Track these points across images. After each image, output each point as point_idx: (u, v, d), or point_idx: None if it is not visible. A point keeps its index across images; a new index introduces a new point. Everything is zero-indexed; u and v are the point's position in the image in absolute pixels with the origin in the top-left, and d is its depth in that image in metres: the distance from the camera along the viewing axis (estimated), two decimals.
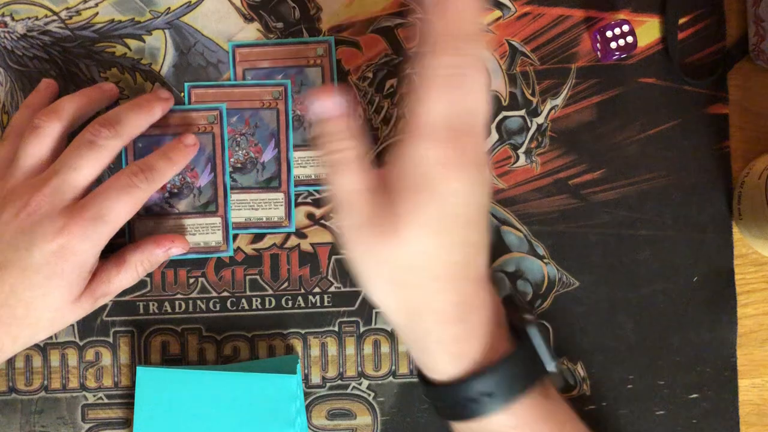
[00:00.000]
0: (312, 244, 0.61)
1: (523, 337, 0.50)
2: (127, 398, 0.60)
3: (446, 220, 0.45)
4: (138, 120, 0.56)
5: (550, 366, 0.50)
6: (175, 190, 0.60)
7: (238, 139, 0.60)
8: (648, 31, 0.61)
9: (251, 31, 0.61)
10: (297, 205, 0.60)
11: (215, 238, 0.60)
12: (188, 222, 0.60)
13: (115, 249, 0.58)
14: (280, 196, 0.60)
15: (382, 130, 0.61)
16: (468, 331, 0.48)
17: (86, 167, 0.54)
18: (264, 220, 0.60)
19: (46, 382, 0.60)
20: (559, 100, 0.61)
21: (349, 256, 0.48)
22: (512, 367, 0.48)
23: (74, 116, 0.56)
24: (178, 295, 0.60)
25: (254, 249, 0.61)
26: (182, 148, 0.58)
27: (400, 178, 0.46)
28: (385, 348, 0.61)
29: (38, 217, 0.52)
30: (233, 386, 0.57)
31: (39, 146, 0.55)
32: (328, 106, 0.48)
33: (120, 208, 0.54)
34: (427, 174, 0.45)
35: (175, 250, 0.59)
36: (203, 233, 0.60)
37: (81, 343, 0.60)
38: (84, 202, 0.53)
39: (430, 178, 0.45)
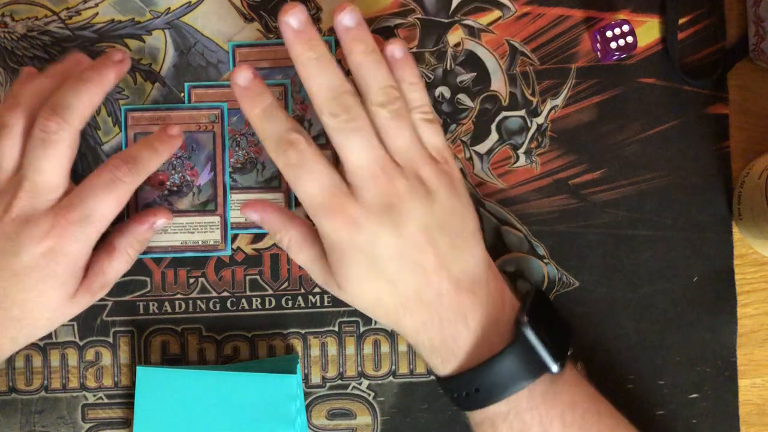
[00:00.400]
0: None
1: (521, 336, 0.51)
2: (127, 398, 0.60)
3: (371, 266, 0.51)
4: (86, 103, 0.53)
5: (554, 367, 0.50)
6: (175, 189, 0.60)
7: (238, 139, 0.60)
8: (648, 31, 0.61)
9: (251, 31, 0.61)
10: (297, 205, 0.60)
11: (214, 236, 0.60)
12: (187, 220, 0.60)
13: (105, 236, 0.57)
14: (279, 196, 0.60)
15: None
16: (446, 339, 0.52)
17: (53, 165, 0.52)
18: None
19: (46, 382, 0.60)
20: (559, 100, 0.61)
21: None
22: (501, 365, 0.50)
23: (38, 105, 0.53)
24: (178, 295, 0.60)
25: (254, 249, 0.61)
26: (166, 138, 0.56)
27: (325, 247, 0.53)
28: (385, 348, 0.61)
29: (22, 220, 0.51)
30: (233, 386, 0.57)
31: (10, 144, 0.53)
32: (255, 218, 0.57)
33: (105, 207, 0.52)
34: (334, 243, 0.52)
35: (159, 222, 0.58)
36: (202, 232, 0.60)
37: (81, 343, 0.60)
38: (68, 202, 0.52)
39: (338, 244, 0.51)
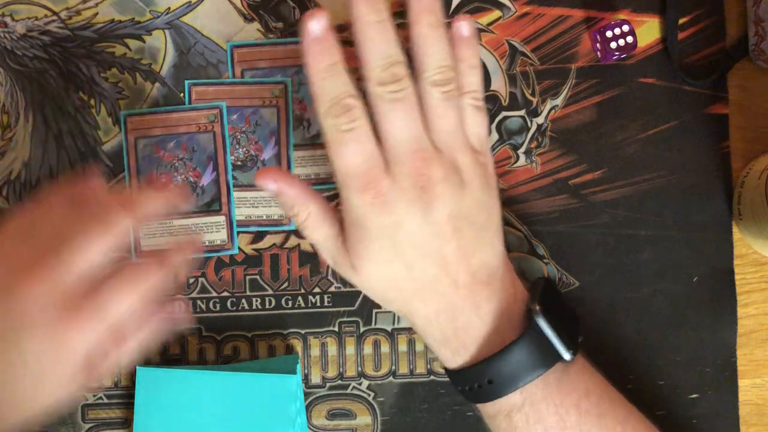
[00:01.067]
0: (312, 244, 0.61)
1: (533, 325, 0.50)
2: (126, 398, 0.60)
3: (392, 248, 0.50)
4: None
5: (566, 355, 0.50)
6: None
7: (239, 136, 0.60)
8: (648, 31, 0.61)
9: (251, 31, 0.61)
10: None
11: (220, 236, 0.60)
12: (192, 221, 0.60)
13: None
14: None
15: None
16: (458, 330, 0.51)
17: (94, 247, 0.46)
18: (264, 217, 0.60)
19: None
20: (559, 100, 0.61)
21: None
22: (514, 356, 0.49)
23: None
24: (178, 296, 0.60)
25: (254, 249, 0.61)
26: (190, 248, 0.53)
27: (345, 223, 0.51)
28: (385, 348, 0.61)
29: (30, 314, 0.45)
30: (233, 386, 0.57)
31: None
32: (272, 188, 0.52)
33: (124, 305, 0.47)
34: (359, 217, 0.50)
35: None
36: (208, 232, 0.60)
37: None
38: (84, 299, 0.46)
39: (362, 219, 0.50)
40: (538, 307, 0.51)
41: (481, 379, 0.50)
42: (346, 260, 0.51)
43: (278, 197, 0.53)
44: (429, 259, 0.50)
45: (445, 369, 0.54)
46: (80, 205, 0.48)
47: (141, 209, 0.49)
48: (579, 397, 0.51)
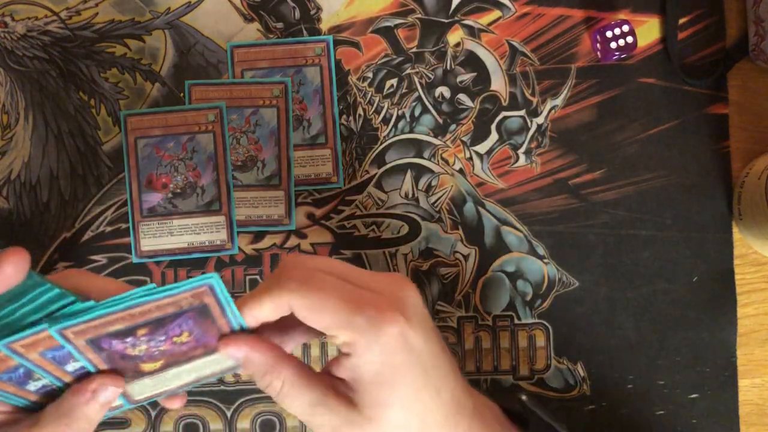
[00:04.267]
0: (312, 244, 0.61)
1: (531, 419, 0.49)
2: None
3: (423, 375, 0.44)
4: None
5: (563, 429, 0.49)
6: (178, 191, 0.60)
7: (239, 136, 0.60)
8: (648, 31, 0.61)
9: (251, 32, 0.61)
10: (297, 204, 0.60)
11: (220, 236, 0.60)
12: (193, 221, 0.60)
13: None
14: (280, 194, 0.60)
15: (382, 130, 0.61)
16: None
17: None
18: (264, 217, 0.60)
19: None
20: (559, 100, 0.61)
21: None
22: None
23: None
24: None
25: (254, 249, 0.61)
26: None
27: (354, 382, 0.44)
28: None
29: None
30: None
31: None
32: (238, 356, 0.44)
33: None
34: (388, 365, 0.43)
35: (103, 394, 0.44)
36: (208, 232, 0.60)
37: None
38: None
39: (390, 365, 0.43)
40: (525, 396, 0.49)
41: None
42: (356, 418, 0.44)
43: (246, 367, 0.44)
44: (451, 372, 0.46)
45: None
46: None
47: None
48: None
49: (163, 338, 0.41)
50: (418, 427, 0.44)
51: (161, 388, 0.46)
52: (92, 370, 0.43)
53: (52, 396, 0.44)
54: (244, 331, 0.43)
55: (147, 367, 0.43)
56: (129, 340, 0.41)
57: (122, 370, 0.43)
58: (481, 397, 0.48)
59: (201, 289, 0.39)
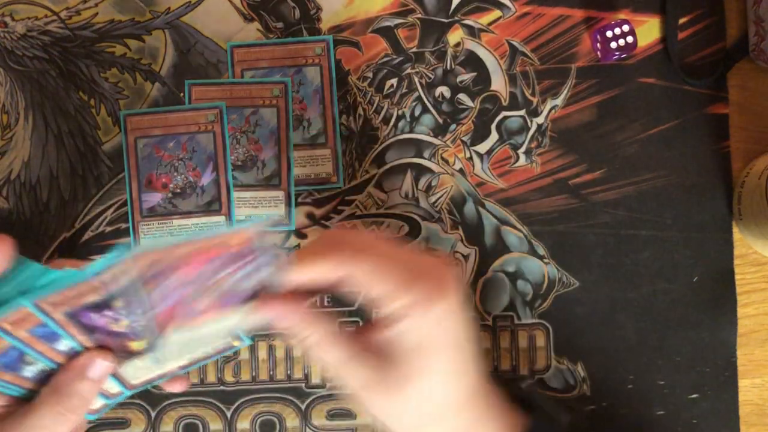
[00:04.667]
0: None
1: (534, 404, 0.50)
2: (127, 398, 0.60)
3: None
4: None
5: (565, 418, 0.50)
6: (178, 191, 0.60)
7: (238, 136, 0.60)
8: (648, 31, 0.61)
9: (251, 31, 0.61)
10: (297, 204, 0.60)
11: None
12: (192, 221, 0.60)
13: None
14: (280, 194, 0.60)
15: (382, 130, 0.61)
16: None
17: None
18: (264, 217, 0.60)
19: None
20: (559, 100, 0.61)
21: (367, 410, 0.48)
22: None
23: None
24: None
25: None
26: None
27: (393, 347, 0.45)
28: None
29: None
30: None
31: None
32: (277, 316, 0.46)
33: None
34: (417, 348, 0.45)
35: (91, 369, 0.45)
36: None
37: None
38: None
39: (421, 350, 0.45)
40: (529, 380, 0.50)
41: None
42: (382, 381, 0.45)
43: (282, 323, 0.46)
44: (475, 362, 0.47)
45: None
46: None
47: None
48: None
49: (140, 311, 0.41)
50: (440, 402, 0.46)
51: (156, 371, 0.46)
52: (81, 349, 0.43)
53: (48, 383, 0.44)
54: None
55: (135, 345, 0.43)
56: (109, 313, 0.41)
57: (113, 349, 0.44)
58: (492, 384, 0.49)
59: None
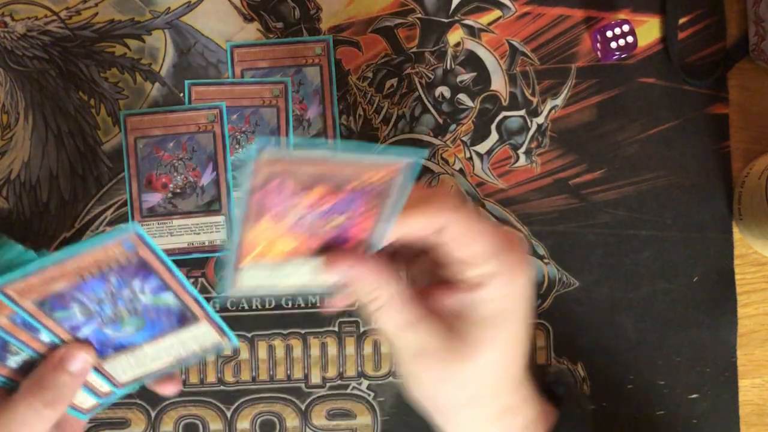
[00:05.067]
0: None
1: (561, 393, 0.49)
2: (127, 398, 0.60)
3: (512, 340, 0.45)
4: None
5: (589, 405, 0.50)
6: (178, 191, 0.60)
7: (239, 136, 0.60)
8: (648, 31, 0.61)
9: (251, 31, 0.61)
10: None
11: (220, 236, 0.60)
12: (192, 221, 0.60)
13: None
14: None
15: (382, 130, 0.61)
16: (518, 413, 0.47)
17: None
18: None
19: None
20: (559, 100, 0.61)
21: (414, 382, 0.46)
22: (570, 428, 0.48)
23: None
24: None
25: None
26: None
27: (466, 313, 0.44)
28: (384, 348, 0.61)
29: None
30: None
31: None
32: (350, 273, 0.44)
33: None
34: (494, 316, 0.44)
35: (71, 363, 0.44)
36: (207, 232, 0.60)
37: None
38: None
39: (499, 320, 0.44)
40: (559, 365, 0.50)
41: None
42: (449, 348, 0.44)
43: (353, 282, 0.44)
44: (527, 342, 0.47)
45: None
46: None
47: None
48: None
49: (126, 297, 0.41)
50: (501, 374, 0.45)
51: (143, 367, 0.46)
52: (59, 342, 0.43)
53: None
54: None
55: (113, 333, 0.43)
56: (84, 300, 0.40)
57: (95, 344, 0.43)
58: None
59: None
